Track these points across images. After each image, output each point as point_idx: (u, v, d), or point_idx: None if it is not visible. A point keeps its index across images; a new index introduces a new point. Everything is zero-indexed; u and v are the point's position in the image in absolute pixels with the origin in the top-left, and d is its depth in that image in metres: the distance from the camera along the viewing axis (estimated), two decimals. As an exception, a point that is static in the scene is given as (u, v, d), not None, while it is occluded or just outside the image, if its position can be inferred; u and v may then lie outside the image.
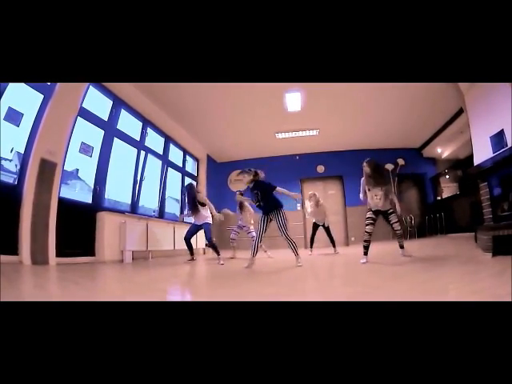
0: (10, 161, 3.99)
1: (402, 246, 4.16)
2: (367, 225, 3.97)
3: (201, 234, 5.67)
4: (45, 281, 2.85)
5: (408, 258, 3.90)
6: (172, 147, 8.13)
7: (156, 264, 4.93)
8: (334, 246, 6.23)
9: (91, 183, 5.38)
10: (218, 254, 5.01)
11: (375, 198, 3.93)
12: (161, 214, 7.36)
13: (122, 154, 6.14)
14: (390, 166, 8.98)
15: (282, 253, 6.07)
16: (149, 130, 6.98)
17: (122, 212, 5.84)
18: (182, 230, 7.11)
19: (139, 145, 6.62)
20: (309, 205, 6.33)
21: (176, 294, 2.42)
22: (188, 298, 2.26)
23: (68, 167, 4.96)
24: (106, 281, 3.17)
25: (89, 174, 5.45)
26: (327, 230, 6.24)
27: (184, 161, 8.88)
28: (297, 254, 3.87)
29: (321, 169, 10.14)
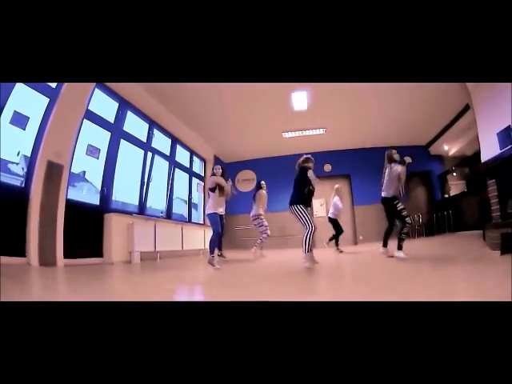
0: (17, 164, 4.04)
1: (401, 247, 3.92)
2: (407, 216, 3.94)
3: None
4: (53, 282, 2.89)
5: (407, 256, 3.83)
6: (179, 148, 8.15)
7: (164, 265, 4.94)
8: (337, 243, 6.22)
9: (98, 185, 5.43)
10: (212, 253, 4.28)
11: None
12: (168, 214, 7.38)
13: (129, 156, 6.20)
14: (396, 164, 8.87)
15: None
16: (155, 132, 7.01)
17: (129, 213, 5.89)
18: (190, 231, 7.17)
19: (146, 146, 6.67)
20: (336, 199, 6.35)
21: (184, 295, 2.43)
22: (196, 298, 2.27)
23: (75, 169, 5.01)
24: (115, 282, 3.20)
25: (96, 176, 5.52)
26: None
27: (191, 161, 8.92)
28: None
29: (328, 168, 10.08)
